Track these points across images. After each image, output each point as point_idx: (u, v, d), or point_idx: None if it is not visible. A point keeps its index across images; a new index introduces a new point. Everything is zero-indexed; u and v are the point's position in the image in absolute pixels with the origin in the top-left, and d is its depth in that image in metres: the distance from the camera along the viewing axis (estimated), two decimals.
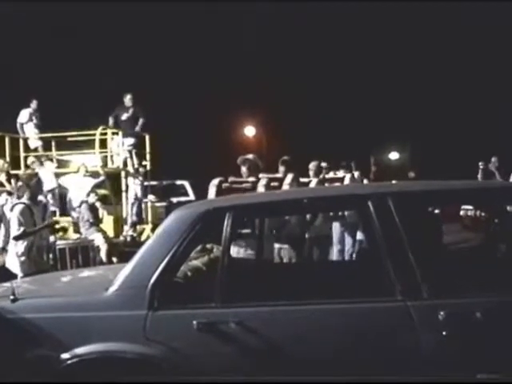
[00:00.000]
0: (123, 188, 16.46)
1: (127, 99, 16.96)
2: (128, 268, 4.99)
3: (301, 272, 6.45)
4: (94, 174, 15.95)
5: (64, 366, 4.68)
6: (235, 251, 7.76)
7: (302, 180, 10.70)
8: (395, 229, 4.67)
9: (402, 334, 4.48)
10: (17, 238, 8.84)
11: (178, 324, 4.69)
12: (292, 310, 4.66)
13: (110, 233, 14.83)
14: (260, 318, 4.64)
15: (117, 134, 16.52)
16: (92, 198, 14.23)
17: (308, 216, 9.28)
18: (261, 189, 8.86)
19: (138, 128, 16.95)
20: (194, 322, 4.56)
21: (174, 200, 19.83)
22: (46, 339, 4.80)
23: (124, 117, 16.84)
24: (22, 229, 8.72)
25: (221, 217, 4.93)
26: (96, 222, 13.98)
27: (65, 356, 4.69)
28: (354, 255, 11.47)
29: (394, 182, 8.28)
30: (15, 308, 4.93)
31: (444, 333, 4.36)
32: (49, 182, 15.31)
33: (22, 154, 16.84)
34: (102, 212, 15.00)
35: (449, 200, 5.59)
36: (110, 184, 16.46)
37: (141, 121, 16.93)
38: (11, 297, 4.95)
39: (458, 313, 4.40)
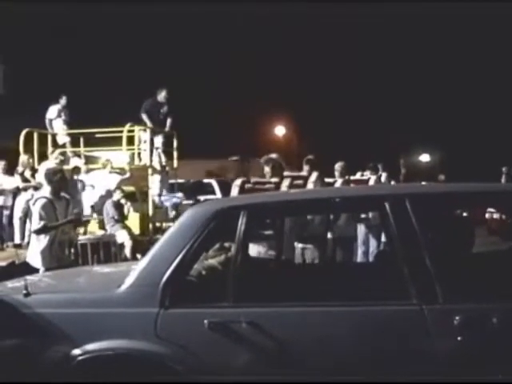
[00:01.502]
0: (150, 185, 16.42)
1: (162, 96, 16.82)
2: (141, 265, 4.97)
3: (317, 273, 6.40)
4: (120, 171, 15.96)
5: (74, 362, 4.66)
6: (256, 251, 7.72)
7: (327, 180, 10.64)
8: (412, 231, 4.58)
9: (416, 338, 4.41)
10: (37, 232, 8.85)
11: (189, 323, 4.66)
12: (305, 312, 4.60)
13: (136, 230, 14.81)
14: (272, 319, 4.58)
15: (144, 130, 16.48)
16: (117, 195, 14.24)
17: (331, 216, 9.23)
18: (284, 189, 8.81)
19: (167, 127, 16.89)
20: (205, 321, 4.52)
21: (201, 198, 19.81)
22: (56, 335, 4.79)
23: (158, 114, 16.70)
24: (42, 223, 8.72)
25: (235, 215, 4.88)
26: (121, 218, 13.98)
27: (75, 352, 4.67)
28: (374, 256, 11.38)
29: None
30: (27, 303, 4.93)
31: (459, 338, 4.28)
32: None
33: (50, 150, 16.89)
34: (127, 209, 15.02)
35: (469, 202, 5.49)
36: (137, 181, 16.46)
37: (170, 120, 16.87)
38: (24, 291, 4.95)
39: (474, 318, 4.31)
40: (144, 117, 16.48)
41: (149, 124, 16.41)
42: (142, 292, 4.78)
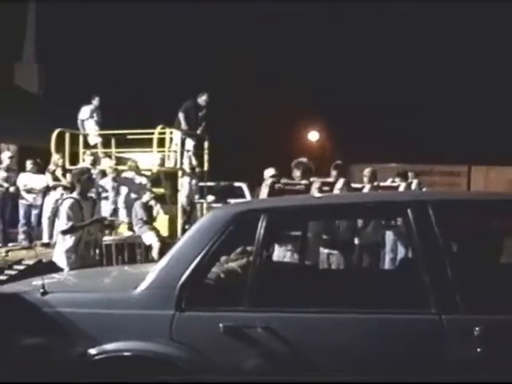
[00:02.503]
0: (179, 187, 16.42)
1: (202, 99, 16.85)
2: (158, 267, 4.96)
3: (337, 279, 6.33)
4: (149, 173, 16.00)
5: (89, 362, 4.64)
6: (280, 255, 7.67)
7: (356, 186, 10.58)
8: (434, 238, 4.51)
9: (435, 348, 4.32)
10: (64, 233, 8.88)
11: (204, 326, 4.62)
12: (322, 318, 4.54)
13: (165, 232, 14.82)
14: (288, 324, 4.53)
15: (172, 132, 16.48)
16: (146, 197, 14.26)
17: (357, 222, 9.16)
18: (314, 192, 8.77)
19: (199, 131, 16.92)
20: (221, 325, 4.48)
21: (231, 201, 19.76)
22: (72, 334, 4.79)
23: (195, 116, 16.70)
24: (70, 223, 8.75)
25: (255, 219, 4.83)
26: (149, 220, 14.00)
27: (90, 352, 4.66)
28: (397, 264, 11.27)
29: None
30: (44, 301, 4.93)
31: (478, 349, 4.20)
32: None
33: (82, 150, 16.97)
34: (156, 211, 15.03)
35: (497, 211, 5.37)
36: (167, 183, 16.48)
37: (204, 124, 16.90)
38: (41, 290, 4.95)
39: (494, 330, 4.23)
40: (181, 116, 16.50)
41: (183, 124, 16.44)
42: (158, 294, 4.76)
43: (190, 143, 16.78)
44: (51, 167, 15.16)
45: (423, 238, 4.56)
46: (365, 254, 9.72)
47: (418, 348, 4.36)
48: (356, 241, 9.44)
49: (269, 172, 11.29)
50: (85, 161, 15.98)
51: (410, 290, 4.48)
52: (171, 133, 16.45)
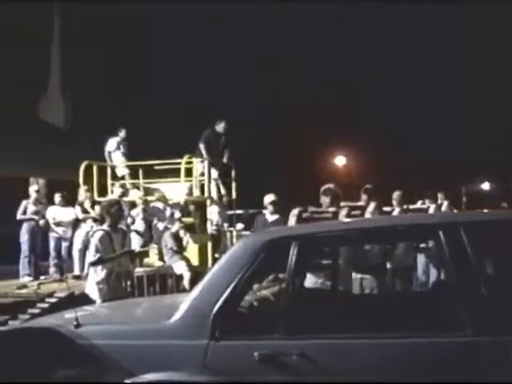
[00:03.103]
0: (208, 216, 16.43)
1: (221, 127, 16.92)
2: (191, 296, 4.94)
3: (372, 304, 6.28)
4: (177, 202, 16.02)
5: None
6: (313, 282, 7.63)
7: (386, 209, 10.53)
8: (467, 260, 4.46)
9: (472, 372, 4.25)
10: (93, 264, 8.94)
11: (239, 355, 4.59)
12: (357, 344, 4.49)
13: (195, 261, 14.80)
14: (323, 351, 4.49)
15: (202, 162, 16.55)
16: (176, 227, 14.28)
17: (387, 245, 9.10)
18: (342, 219, 8.73)
19: (225, 159, 16.97)
20: (256, 354, 4.44)
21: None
22: (106, 366, 4.78)
23: (216, 145, 16.79)
24: (98, 255, 8.80)
25: (286, 246, 4.82)
26: (180, 250, 13.99)
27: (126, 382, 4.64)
28: (430, 287, 11.17)
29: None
30: (78, 334, 4.94)
31: None
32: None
33: (110, 182, 17.06)
34: (186, 240, 15.02)
35: None
36: (195, 213, 16.49)
37: (227, 152, 16.96)
38: (74, 323, 4.95)
39: None
40: (202, 147, 16.57)
41: (205, 154, 16.48)
42: (191, 324, 4.75)
43: (215, 172, 16.81)
44: (80, 199, 15.28)
45: (456, 259, 4.51)
46: (397, 278, 9.64)
47: (455, 371, 4.29)
48: (388, 265, 9.37)
49: (269, 198, 11.57)
50: (114, 192, 16.06)
51: (445, 312, 4.44)
52: (199, 162, 16.51)
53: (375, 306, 5.91)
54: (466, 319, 4.31)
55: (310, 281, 7.43)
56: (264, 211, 12.28)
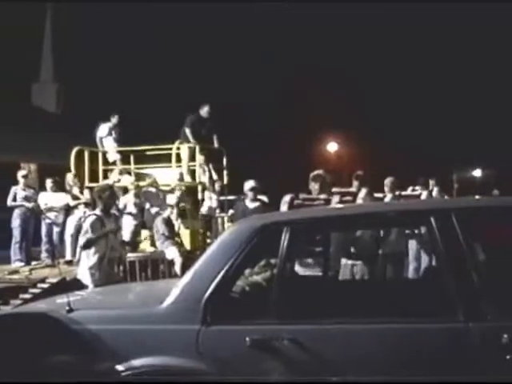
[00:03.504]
0: (200, 202, 16.42)
1: (204, 111, 16.94)
2: (183, 282, 4.94)
3: (363, 290, 6.29)
4: (169, 188, 16.00)
5: (115, 379, 4.63)
6: (304, 267, 7.64)
7: (377, 195, 10.55)
8: (458, 246, 4.47)
9: (462, 356, 4.27)
10: (83, 247, 8.94)
11: (230, 340, 4.59)
12: (348, 329, 4.50)
13: (187, 246, 14.80)
14: (315, 337, 4.50)
15: (191, 147, 16.52)
16: (167, 212, 14.27)
17: (380, 232, 9.12)
18: (334, 205, 8.75)
19: (216, 144, 16.97)
20: (247, 339, 4.45)
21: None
22: (98, 351, 4.78)
23: (201, 129, 16.81)
24: (87, 238, 8.81)
25: (278, 231, 4.82)
26: (171, 235, 13.98)
27: (116, 368, 4.64)
28: (422, 273, 11.20)
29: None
30: (70, 319, 4.93)
31: (508, 357, 4.14)
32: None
33: (101, 168, 17.02)
34: (178, 226, 15.01)
35: None
36: (187, 198, 16.47)
37: (215, 136, 16.98)
38: (66, 308, 4.95)
39: None
40: (187, 131, 16.58)
41: (191, 139, 16.47)
42: (183, 309, 4.75)
43: (203, 157, 16.78)
44: (67, 187, 15.28)
45: (448, 245, 4.52)
46: (389, 264, 9.67)
47: (445, 356, 4.31)
48: (380, 251, 9.39)
49: (248, 184, 11.38)
50: (110, 178, 16.01)
51: (436, 298, 4.45)
52: (188, 147, 16.50)
53: (367, 292, 5.92)
54: (458, 305, 4.32)
55: (301, 266, 7.44)
56: (243, 197, 12.06)
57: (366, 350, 4.41)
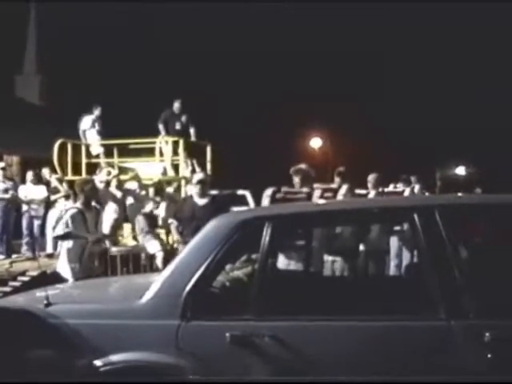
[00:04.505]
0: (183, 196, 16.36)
1: (176, 107, 17.04)
2: (163, 276, 4.90)
3: (344, 286, 6.26)
4: (151, 182, 15.93)
5: (94, 374, 4.59)
6: (285, 263, 7.61)
7: (361, 192, 10.53)
8: (441, 243, 4.45)
9: (444, 354, 4.25)
10: (58, 237, 8.88)
11: (210, 335, 4.56)
12: (329, 326, 4.47)
13: (169, 240, 14.73)
14: (296, 333, 4.47)
15: (177, 142, 16.51)
16: (149, 207, 14.19)
17: (362, 228, 9.09)
18: (315, 200, 8.71)
19: (193, 138, 17.02)
20: (227, 334, 4.42)
21: (235, 210, 19.58)
22: (77, 345, 4.74)
23: (177, 126, 16.90)
24: (66, 230, 8.75)
25: (259, 226, 4.78)
26: (152, 230, 13.91)
27: (95, 363, 4.60)
28: (404, 270, 11.20)
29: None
30: (47, 313, 4.88)
31: (489, 355, 4.13)
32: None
33: (84, 161, 16.93)
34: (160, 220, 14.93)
35: (503, 214, 5.28)
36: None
37: (193, 130, 17.05)
38: (44, 301, 4.90)
39: (505, 335, 4.15)
40: (160, 127, 16.65)
41: (163, 134, 16.64)
42: (163, 303, 4.70)
43: (184, 151, 16.76)
44: (44, 180, 15.25)
45: (431, 242, 4.49)
46: (370, 261, 9.66)
47: (426, 354, 4.29)
48: (361, 247, 9.38)
49: (197, 176, 10.98)
50: (101, 172, 15.88)
51: (418, 295, 4.43)
52: (171, 143, 16.49)
53: (348, 289, 5.89)
54: (440, 303, 4.30)
55: (283, 262, 7.40)
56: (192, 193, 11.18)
57: (347, 348, 4.39)
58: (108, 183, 15.02)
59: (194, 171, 16.63)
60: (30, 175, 15.10)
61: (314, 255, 7.05)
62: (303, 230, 6.38)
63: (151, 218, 14.00)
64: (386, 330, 4.39)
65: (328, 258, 8.65)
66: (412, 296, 4.49)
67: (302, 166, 9.43)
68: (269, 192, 9.08)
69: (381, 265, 10.10)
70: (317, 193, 8.94)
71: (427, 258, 4.51)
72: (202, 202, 10.55)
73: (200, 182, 10.60)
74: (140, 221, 13.74)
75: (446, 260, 4.41)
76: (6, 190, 14.64)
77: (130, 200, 15.09)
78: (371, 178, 11.65)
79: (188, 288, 4.65)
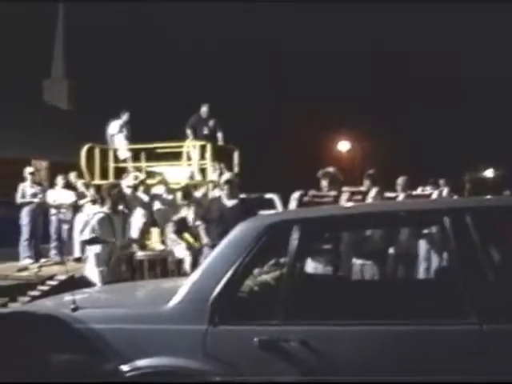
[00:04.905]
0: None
1: (203, 111, 17.08)
2: (190, 281, 4.87)
3: (374, 290, 6.18)
4: (178, 186, 15.93)
5: (121, 379, 4.56)
6: (313, 267, 7.55)
7: (390, 195, 10.46)
8: (472, 246, 4.37)
9: (476, 360, 4.16)
10: (86, 242, 8.85)
11: (238, 340, 4.51)
12: (358, 331, 4.41)
13: (197, 244, 14.70)
14: (324, 338, 4.40)
15: (204, 146, 16.53)
16: (184, 211, 14.15)
17: (391, 231, 9.01)
18: (343, 203, 8.66)
19: (220, 142, 17.06)
20: (255, 339, 4.37)
21: (263, 213, 19.52)
22: (104, 350, 4.71)
23: (205, 130, 16.97)
24: (93, 235, 8.73)
25: (288, 230, 4.73)
26: (182, 234, 13.88)
27: (122, 368, 4.57)
28: (434, 273, 11.09)
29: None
30: (75, 318, 4.87)
31: None
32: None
33: (112, 165, 16.99)
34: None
35: None
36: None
37: (220, 134, 17.08)
38: (72, 306, 4.88)
39: None
40: (188, 132, 16.69)
41: (191, 138, 16.91)
42: (190, 308, 4.67)
43: (211, 155, 16.79)
44: (75, 183, 15.37)
45: (461, 245, 4.42)
46: (400, 264, 9.58)
47: (459, 359, 4.21)
48: (390, 250, 9.30)
49: (225, 177, 10.86)
50: (128, 176, 15.93)
51: (449, 300, 4.36)
52: (198, 147, 16.51)
53: (377, 293, 5.81)
54: (472, 307, 4.22)
55: (310, 266, 7.35)
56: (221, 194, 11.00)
57: (377, 353, 4.32)
58: (135, 187, 15.05)
59: (221, 175, 16.64)
60: (60, 179, 15.20)
61: (342, 259, 7.00)
62: (331, 233, 6.34)
63: (182, 223, 13.99)
64: (416, 334, 4.32)
65: (356, 261, 8.58)
66: (443, 300, 4.42)
67: (330, 169, 9.39)
68: (296, 195, 9.05)
69: (410, 268, 10.02)
70: (344, 196, 8.89)
71: (458, 261, 4.43)
72: (230, 203, 10.45)
73: (228, 181, 10.51)
74: (170, 225, 13.73)
75: (477, 263, 4.33)
76: (34, 195, 14.72)
77: (157, 204, 15.09)
78: (400, 180, 11.60)
79: (216, 292, 4.61)
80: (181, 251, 13.32)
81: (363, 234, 8.28)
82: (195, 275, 4.90)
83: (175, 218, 14.00)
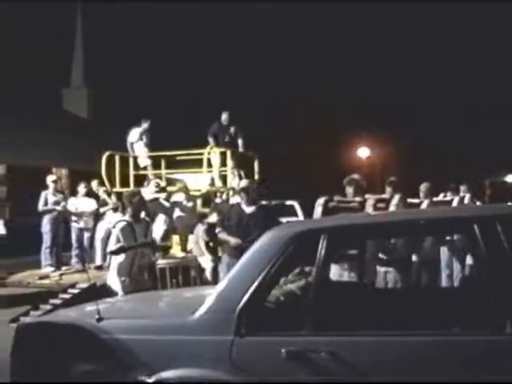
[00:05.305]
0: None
1: (224, 119, 17.14)
2: (217, 291, 4.80)
3: (402, 299, 6.09)
4: (199, 194, 15.91)
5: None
6: (338, 274, 7.49)
7: (412, 201, 10.38)
8: (504, 254, 4.27)
9: (509, 372, 4.06)
10: (113, 253, 8.80)
11: (265, 351, 4.44)
12: (389, 341, 4.32)
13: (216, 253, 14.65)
14: (352, 348, 4.32)
15: (224, 153, 16.54)
16: (213, 218, 14.04)
17: (415, 239, 8.93)
18: (369, 209, 8.61)
19: (241, 149, 17.08)
20: (283, 350, 4.29)
21: (284, 220, 19.48)
22: (129, 361, 4.67)
23: (227, 138, 17.02)
24: (118, 245, 8.69)
25: (315, 238, 4.65)
26: (209, 242, 13.79)
27: (147, 380, 4.51)
28: (461, 281, 10.98)
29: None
30: (99, 328, 4.83)
31: None
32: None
33: (132, 173, 17.01)
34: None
35: None
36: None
37: (241, 141, 17.12)
38: (96, 316, 4.83)
39: None
40: (210, 140, 16.72)
41: (213, 146, 16.92)
42: (216, 319, 4.60)
43: (232, 162, 16.80)
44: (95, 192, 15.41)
45: (492, 254, 4.32)
46: (424, 272, 9.51)
47: (490, 372, 4.10)
48: (414, 258, 9.22)
49: (242, 184, 10.70)
50: (149, 185, 15.93)
51: (480, 309, 4.28)
52: (220, 153, 16.51)
53: (406, 302, 5.71)
54: (504, 316, 4.12)
55: (335, 274, 7.28)
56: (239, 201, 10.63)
57: (406, 364, 4.23)
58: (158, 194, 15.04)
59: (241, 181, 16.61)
60: (82, 188, 15.25)
61: (368, 267, 6.92)
62: (359, 241, 6.25)
63: (211, 230, 13.89)
64: (446, 345, 4.22)
65: (380, 269, 8.50)
66: (474, 310, 4.34)
67: (355, 176, 9.36)
68: (321, 201, 8.98)
69: (435, 276, 9.94)
70: (370, 202, 8.84)
71: (489, 269, 4.34)
72: (249, 209, 10.13)
73: (243, 189, 10.15)
74: (200, 232, 13.61)
75: (509, 271, 4.24)
76: (56, 203, 14.76)
77: (177, 212, 15.06)
78: (423, 187, 11.54)
79: (242, 303, 4.54)
80: (206, 263, 13.25)
81: (388, 241, 8.22)
82: (221, 285, 4.83)
83: (205, 226, 13.87)
